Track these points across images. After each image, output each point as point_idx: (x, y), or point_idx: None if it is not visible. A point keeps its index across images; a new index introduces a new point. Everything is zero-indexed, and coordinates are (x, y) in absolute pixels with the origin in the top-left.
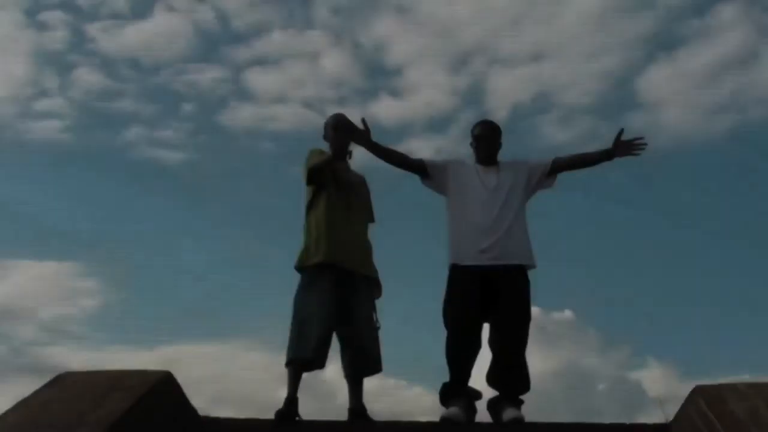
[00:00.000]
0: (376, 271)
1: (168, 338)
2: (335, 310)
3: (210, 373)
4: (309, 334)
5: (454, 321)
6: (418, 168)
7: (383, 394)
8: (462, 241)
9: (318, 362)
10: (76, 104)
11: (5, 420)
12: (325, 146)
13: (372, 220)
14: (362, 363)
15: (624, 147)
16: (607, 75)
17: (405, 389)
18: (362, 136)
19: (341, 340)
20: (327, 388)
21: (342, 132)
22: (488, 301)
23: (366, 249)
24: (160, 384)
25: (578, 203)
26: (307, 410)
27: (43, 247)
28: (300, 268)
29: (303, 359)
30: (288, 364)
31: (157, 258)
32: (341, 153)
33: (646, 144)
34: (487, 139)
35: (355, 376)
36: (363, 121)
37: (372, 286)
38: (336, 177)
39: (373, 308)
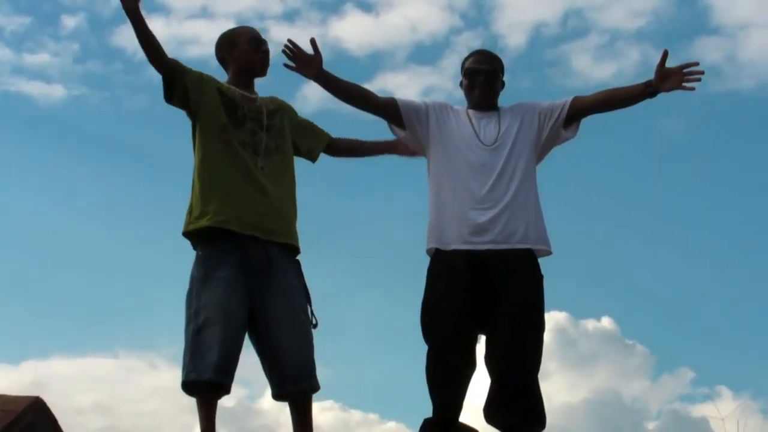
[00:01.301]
0: (297, 239)
1: (39, 351)
2: (245, 303)
3: (96, 399)
4: (208, 347)
5: (437, 331)
6: (388, 109)
7: (346, 430)
8: (447, 219)
9: (224, 385)
10: None
11: None
12: (220, 75)
13: (315, 155)
14: (280, 375)
15: (671, 77)
16: None
17: (376, 425)
18: (310, 63)
19: (256, 347)
20: (263, 421)
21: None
22: (484, 301)
23: (283, 208)
24: (26, 415)
25: (622, 166)
26: None
27: None
28: (186, 233)
29: (202, 384)
30: (184, 387)
31: (21, 235)
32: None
33: (702, 72)
34: (484, 78)
35: (281, 394)
36: (312, 42)
37: (294, 260)
38: (233, 104)
39: (304, 297)
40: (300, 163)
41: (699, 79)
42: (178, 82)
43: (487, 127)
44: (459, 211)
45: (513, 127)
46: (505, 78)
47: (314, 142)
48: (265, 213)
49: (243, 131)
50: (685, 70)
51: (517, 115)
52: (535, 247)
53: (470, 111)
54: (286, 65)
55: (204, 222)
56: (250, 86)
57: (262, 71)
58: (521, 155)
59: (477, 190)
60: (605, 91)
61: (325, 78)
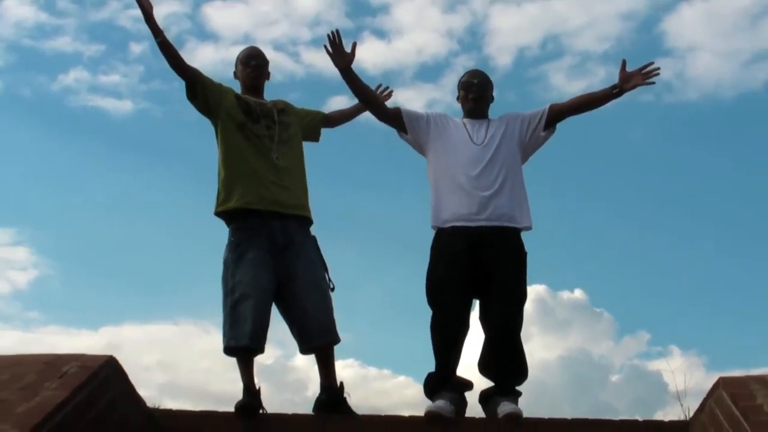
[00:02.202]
0: (310, 212)
1: (114, 318)
2: (273, 278)
3: (159, 358)
4: (244, 318)
5: (440, 296)
6: (394, 117)
7: (362, 384)
8: (446, 203)
9: (258, 349)
10: (3, 43)
11: None
12: (236, 86)
13: (317, 132)
14: (307, 332)
15: (633, 78)
16: (628, 16)
17: (388, 379)
18: (345, 58)
19: (284, 314)
20: (296, 376)
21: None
22: (478, 275)
23: (296, 186)
24: (101, 371)
25: (591, 165)
26: (273, 402)
27: None
28: (217, 213)
29: (240, 349)
30: (226, 352)
31: (101, 226)
32: (252, 86)
33: (658, 69)
34: (476, 88)
35: (306, 349)
36: (353, 45)
37: (311, 236)
38: (248, 107)
39: (322, 264)
40: (321, 156)
41: (657, 74)
42: (198, 84)
43: (479, 131)
44: (456, 199)
45: (500, 131)
46: (495, 93)
47: (313, 121)
48: (281, 191)
49: (259, 126)
50: (644, 71)
51: (503, 122)
52: (519, 225)
53: (465, 120)
54: (325, 47)
55: (232, 204)
56: (257, 94)
57: (252, 83)
58: (507, 152)
59: (469, 177)
60: (579, 96)
61: (351, 74)
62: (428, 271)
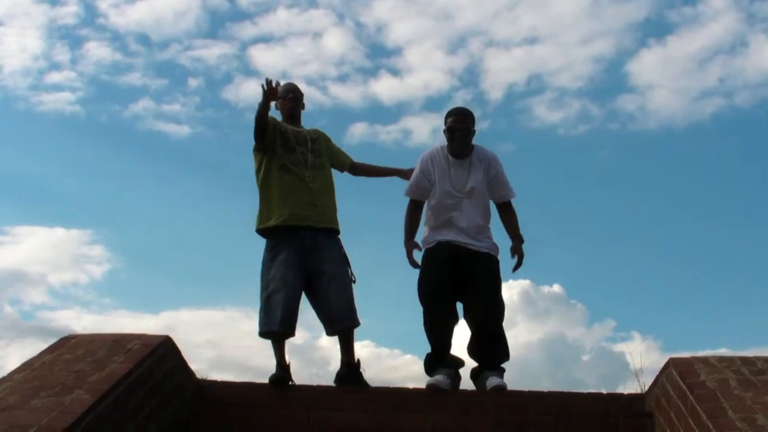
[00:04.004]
0: (337, 224)
1: (173, 304)
2: (300, 275)
3: (208, 337)
4: (275, 308)
5: (429, 296)
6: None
7: (376, 361)
8: (435, 235)
9: (288, 333)
10: (86, 78)
11: (10, 379)
12: (277, 114)
13: (342, 168)
14: (331, 318)
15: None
16: (599, 59)
17: (398, 357)
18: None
19: (314, 303)
20: (321, 354)
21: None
22: (461, 280)
23: (326, 203)
24: (159, 348)
25: (568, 181)
26: (302, 375)
27: (53, 214)
28: (258, 231)
29: (272, 333)
30: (261, 335)
31: (163, 227)
32: (290, 116)
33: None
34: (460, 132)
35: (331, 332)
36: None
37: (336, 238)
38: (286, 138)
39: (344, 261)
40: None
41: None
42: (269, 130)
43: (461, 176)
44: (443, 231)
45: (478, 178)
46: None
47: (339, 164)
48: (313, 210)
49: (295, 155)
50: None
51: (482, 168)
52: (493, 253)
53: (450, 157)
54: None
55: (271, 223)
56: (294, 122)
57: (290, 113)
58: (480, 197)
59: (454, 221)
60: (504, 217)
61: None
62: (420, 278)
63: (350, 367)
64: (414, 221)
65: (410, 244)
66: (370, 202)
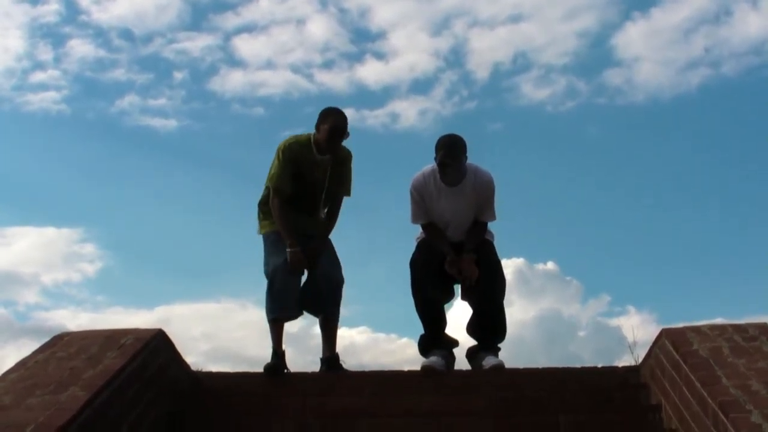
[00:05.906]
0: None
1: (167, 298)
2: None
3: (203, 330)
4: (278, 293)
5: (417, 271)
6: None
7: (373, 346)
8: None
9: (291, 316)
10: (71, 76)
11: (5, 379)
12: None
13: (348, 194)
14: (318, 305)
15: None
16: (583, 34)
17: (394, 341)
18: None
19: (309, 280)
20: (317, 341)
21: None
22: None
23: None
24: (152, 341)
25: (558, 158)
26: (297, 362)
27: (43, 214)
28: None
29: (278, 318)
30: (270, 322)
31: (154, 222)
32: (325, 152)
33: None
34: (450, 167)
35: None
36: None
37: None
38: (302, 176)
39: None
40: None
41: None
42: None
43: (452, 205)
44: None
45: (471, 201)
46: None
47: (336, 192)
48: (314, 224)
49: (306, 202)
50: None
51: (474, 197)
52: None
53: (442, 187)
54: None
55: (274, 228)
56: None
57: (326, 153)
58: (469, 216)
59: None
60: (472, 229)
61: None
62: (412, 259)
63: (331, 357)
64: (439, 236)
65: (452, 255)
66: (364, 186)
